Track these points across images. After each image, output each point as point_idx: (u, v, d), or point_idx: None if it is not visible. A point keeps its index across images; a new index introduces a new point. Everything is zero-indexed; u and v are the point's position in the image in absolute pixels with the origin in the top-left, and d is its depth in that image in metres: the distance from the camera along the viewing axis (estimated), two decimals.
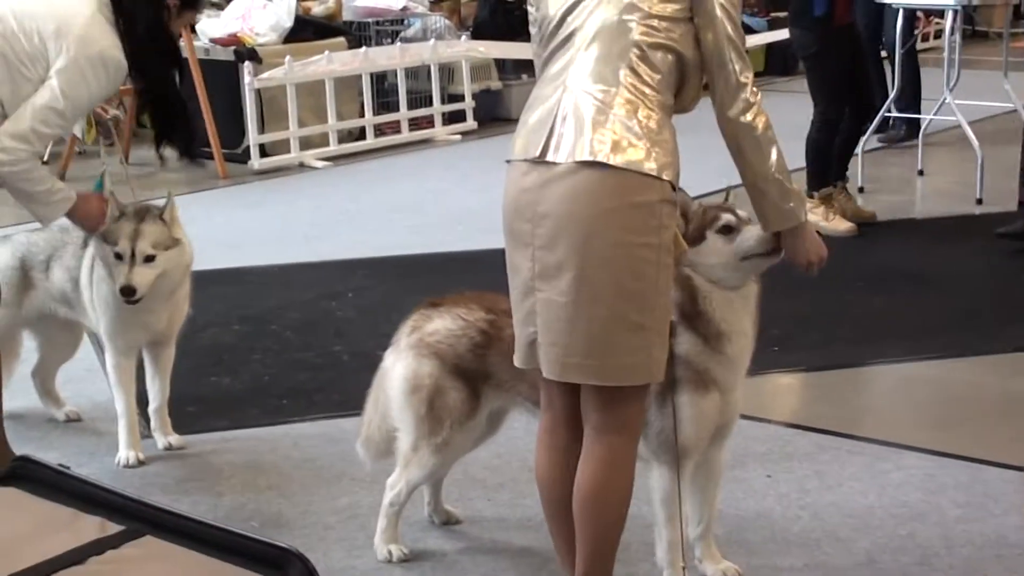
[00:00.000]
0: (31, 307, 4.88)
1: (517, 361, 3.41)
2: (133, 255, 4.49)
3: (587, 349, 3.21)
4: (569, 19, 3.28)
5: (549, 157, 3.20)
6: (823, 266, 3.45)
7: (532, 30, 3.49)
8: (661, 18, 3.21)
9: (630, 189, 3.14)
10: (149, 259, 4.51)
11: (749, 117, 3.24)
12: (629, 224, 3.15)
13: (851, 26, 7.70)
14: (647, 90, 3.20)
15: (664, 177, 3.16)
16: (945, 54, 9.38)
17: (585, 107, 3.19)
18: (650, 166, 3.14)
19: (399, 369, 3.91)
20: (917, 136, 9.69)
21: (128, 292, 4.48)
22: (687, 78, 3.29)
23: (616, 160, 3.13)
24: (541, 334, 3.27)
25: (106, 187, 4.63)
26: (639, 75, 3.20)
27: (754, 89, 3.26)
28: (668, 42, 3.22)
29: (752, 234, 3.51)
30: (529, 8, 3.46)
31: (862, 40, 8.01)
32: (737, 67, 3.23)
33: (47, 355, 5.16)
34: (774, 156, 3.29)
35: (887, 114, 9.25)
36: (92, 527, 2.15)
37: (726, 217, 3.54)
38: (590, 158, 3.14)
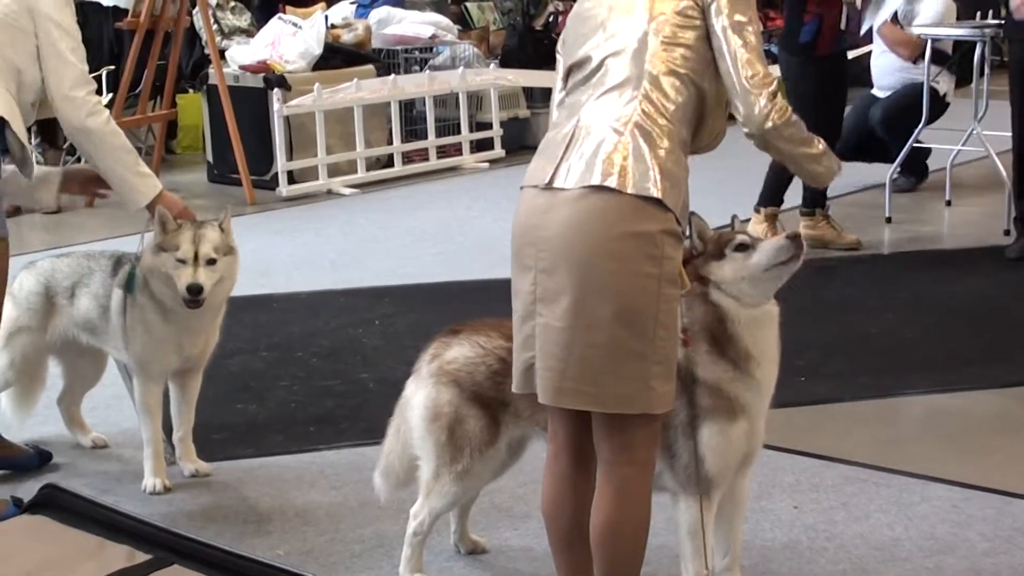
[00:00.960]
0: (55, 333, 4.90)
1: (515, 386, 3.44)
2: (196, 258, 4.54)
3: (583, 375, 3.23)
4: (587, 47, 3.35)
5: (557, 184, 3.24)
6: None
7: (559, 66, 3.54)
8: (676, 49, 3.25)
9: (633, 217, 3.17)
10: (211, 262, 4.56)
11: (772, 123, 3.28)
12: (629, 253, 3.17)
13: (835, 58, 7.84)
14: (660, 119, 3.24)
15: (667, 203, 3.18)
16: (974, 85, 9.37)
17: (596, 135, 3.23)
18: (655, 193, 3.17)
19: (419, 397, 3.92)
20: (925, 179, 9.73)
21: (195, 290, 4.51)
22: (706, 113, 3.32)
23: (621, 186, 3.16)
24: (538, 359, 3.29)
25: (138, 283, 4.66)
26: (652, 102, 3.24)
27: (770, 90, 3.27)
28: (683, 70, 3.25)
29: (771, 245, 3.55)
30: (559, 48, 3.52)
31: (845, 76, 8.15)
32: (753, 81, 3.25)
33: (72, 382, 5.18)
34: (800, 138, 3.36)
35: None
36: (120, 556, 2.16)
37: (740, 236, 3.59)
38: (596, 183, 3.18)
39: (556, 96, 3.55)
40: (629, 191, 3.16)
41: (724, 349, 3.52)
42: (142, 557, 2.15)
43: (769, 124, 3.27)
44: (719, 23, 3.25)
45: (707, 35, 3.27)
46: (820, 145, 3.42)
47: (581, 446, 3.40)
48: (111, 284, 4.76)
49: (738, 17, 3.26)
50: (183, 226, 4.59)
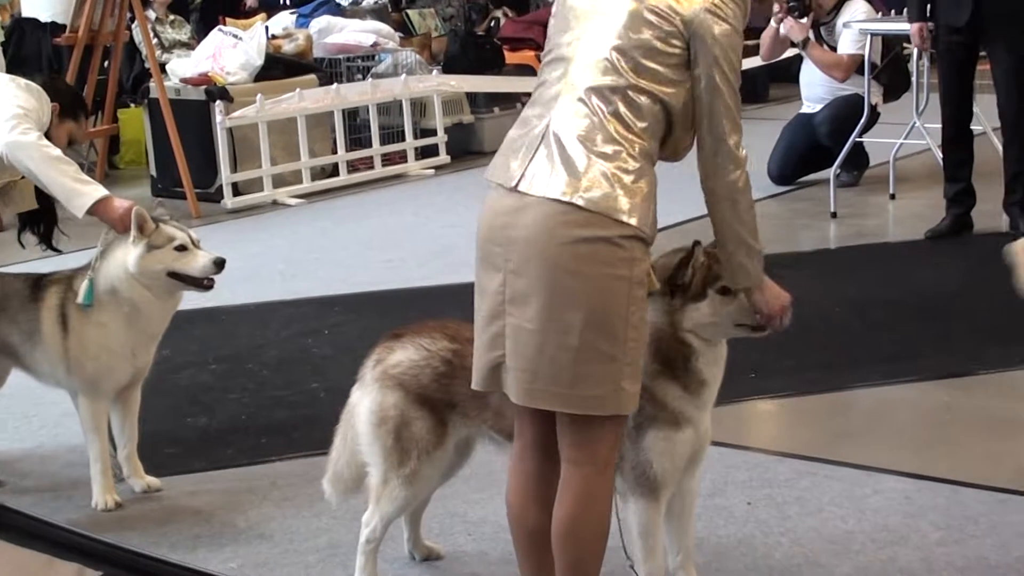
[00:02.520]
0: None
1: (475, 384, 3.43)
2: (194, 243, 4.63)
3: (554, 377, 3.22)
4: (561, 49, 3.32)
5: (523, 188, 3.23)
6: (791, 312, 3.51)
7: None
8: (651, 70, 3.22)
9: (600, 224, 3.17)
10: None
11: (732, 178, 3.28)
12: (598, 256, 3.17)
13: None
14: (630, 135, 3.22)
15: (631, 222, 3.18)
16: (913, 79, 9.45)
17: (565, 146, 3.21)
18: (619, 211, 3.17)
19: (365, 403, 3.91)
20: (867, 167, 9.83)
21: (222, 262, 4.64)
22: (674, 129, 3.31)
23: (585, 204, 3.15)
24: (509, 359, 3.28)
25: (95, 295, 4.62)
26: (623, 120, 3.22)
27: (741, 151, 3.29)
28: (658, 93, 3.23)
29: (750, 307, 3.53)
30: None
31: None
32: (729, 130, 3.26)
33: None
34: (748, 218, 3.34)
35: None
36: (69, 573, 2.14)
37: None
38: (561, 198, 3.17)
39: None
40: (592, 208, 3.16)
41: (678, 375, 3.55)
42: (92, 574, 2.13)
43: (739, 181, 3.28)
44: (708, 62, 3.22)
45: (687, 62, 3.23)
46: (761, 245, 3.41)
47: (547, 444, 3.40)
48: (34, 308, 4.68)
49: (727, 57, 3.23)
50: (159, 223, 4.61)
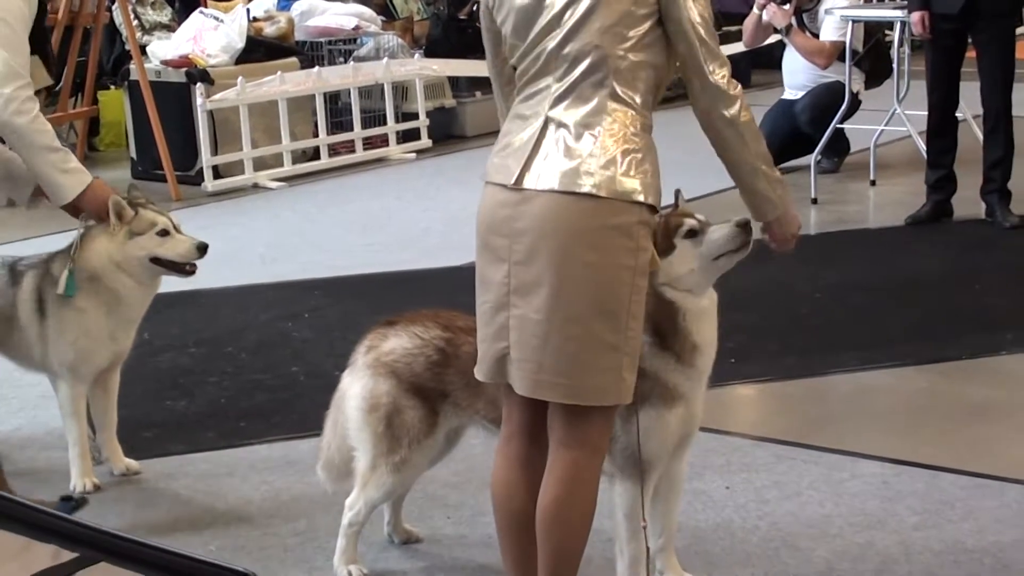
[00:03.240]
0: None
1: (480, 375, 3.40)
2: (176, 228, 4.63)
3: (559, 368, 3.21)
4: (544, 42, 3.25)
5: (527, 185, 3.20)
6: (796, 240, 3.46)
7: (487, 44, 3.50)
8: (636, 40, 3.19)
9: (610, 211, 3.15)
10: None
11: (733, 111, 3.24)
12: (606, 244, 3.16)
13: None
14: (630, 113, 3.20)
15: (648, 201, 3.17)
16: (895, 65, 9.46)
17: (566, 136, 3.18)
18: (633, 192, 3.15)
19: (356, 389, 3.90)
20: (847, 153, 9.85)
21: (205, 247, 4.63)
22: (660, 86, 3.30)
23: (597, 190, 3.13)
24: (514, 350, 3.26)
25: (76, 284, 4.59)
26: (621, 98, 3.19)
27: (732, 83, 3.25)
28: (646, 59, 3.21)
29: (721, 233, 3.53)
30: (484, 19, 3.45)
31: None
32: (712, 68, 3.22)
33: None
34: (757, 147, 3.30)
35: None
36: (44, 555, 2.12)
37: (689, 222, 3.55)
38: (573, 188, 3.14)
39: (498, 79, 3.54)
40: (607, 194, 3.14)
41: (669, 342, 3.52)
42: (68, 556, 2.12)
43: (732, 112, 3.23)
44: (679, 11, 3.18)
45: (659, 19, 3.21)
46: (779, 174, 3.38)
47: (535, 430, 3.39)
48: (11, 293, 4.67)
49: (694, 8, 3.19)
50: (139, 208, 4.59)
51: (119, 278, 4.56)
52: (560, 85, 3.23)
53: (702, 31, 3.21)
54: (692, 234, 3.53)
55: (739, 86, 3.28)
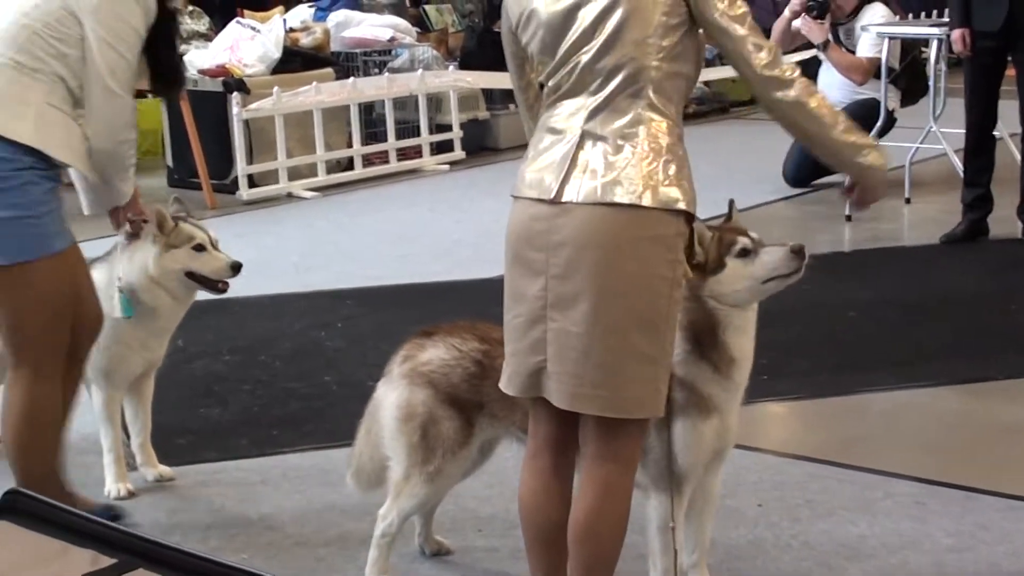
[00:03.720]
0: None
1: (511, 389, 3.39)
2: (212, 244, 4.64)
3: (599, 380, 3.20)
4: (577, 56, 3.24)
5: (567, 199, 3.19)
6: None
7: (511, 61, 3.51)
8: (670, 49, 3.19)
9: (650, 222, 3.15)
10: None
11: (792, 94, 3.21)
12: (646, 255, 3.16)
13: None
14: (666, 122, 3.20)
15: (689, 209, 3.19)
16: (931, 83, 9.43)
17: (606, 150, 3.18)
18: (676, 201, 3.16)
19: (392, 398, 3.90)
20: None
21: (238, 267, 4.65)
22: (687, 96, 3.33)
23: (639, 201, 3.13)
24: (552, 363, 3.25)
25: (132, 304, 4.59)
26: (657, 109, 3.19)
27: (784, 67, 3.22)
28: (679, 70, 3.23)
29: (774, 256, 3.53)
30: (507, 38, 3.47)
31: None
32: (760, 58, 3.20)
33: None
34: (830, 119, 3.28)
35: None
36: (84, 560, 2.13)
37: (742, 240, 3.55)
38: (612, 200, 3.14)
39: (524, 98, 3.56)
40: (647, 205, 3.14)
41: (707, 352, 3.52)
42: (106, 561, 2.13)
43: (791, 94, 3.20)
44: (712, 14, 3.18)
45: (692, 23, 3.21)
46: (866, 136, 3.36)
47: (562, 443, 3.39)
48: None
49: (727, 7, 3.19)
50: (179, 221, 4.61)
51: (155, 292, 4.57)
52: (595, 99, 3.22)
53: (738, 25, 3.20)
54: (744, 253, 3.53)
55: (795, 68, 3.25)
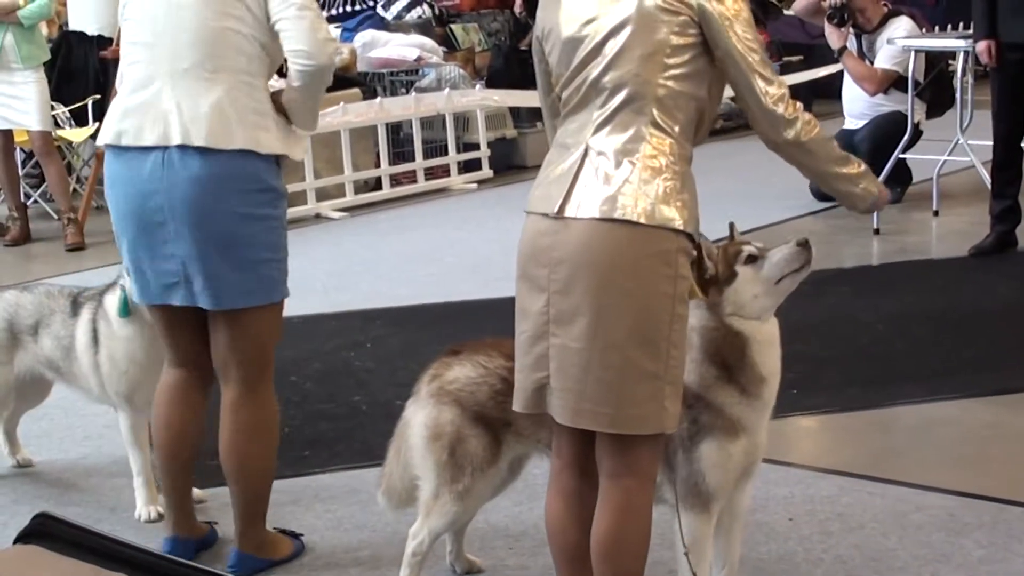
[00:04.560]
0: (23, 367, 4.90)
1: (518, 405, 3.43)
2: None
3: (600, 397, 3.22)
4: (587, 71, 3.28)
5: (568, 214, 3.22)
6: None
7: (539, 75, 3.53)
8: (677, 69, 3.21)
9: (648, 238, 3.16)
10: None
11: (791, 134, 3.26)
12: (645, 272, 3.17)
13: None
14: (668, 141, 3.22)
15: (686, 230, 3.19)
16: (958, 95, 9.41)
17: (606, 165, 3.20)
18: (671, 220, 3.17)
19: (420, 417, 3.92)
20: (909, 184, 9.80)
21: None
22: (703, 119, 3.33)
23: (636, 218, 3.15)
24: (554, 379, 3.28)
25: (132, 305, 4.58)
26: (661, 128, 3.21)
27: (789, 104, 3.26)
28: (687, 91, 3.24)
29: (781, 254, 3.55)
30: (536, 52, 3.49)
31: None
32: (766, 90, 3.23)
33: (18, 403, 5.17)
34: (828, 154, 3.34)
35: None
36: None
37: (747, 248, 3.57)
38: (613, 215, 3.16)
39: (549, 112, 3.56)
40: (644, 222, 3.15)
41: (736, 375, 3.52)
42: None
43: (790, 135, 3.26)
44: (725, 40, 3.21)
45: (704, 47, 3.23)
46: (858, 167, 3.41)
47: (586, 462, 3.40)
48: (72, 324, 4.74)
49: (742, 30, 3.22)
50: None
51: None
52: (601, 113, 3.25)
53: (751, 57, 3.23)
54: (752, 259, 3.54)
55: (797, 105, 3.29)
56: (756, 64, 3.23)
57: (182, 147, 3.95)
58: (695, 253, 3.30)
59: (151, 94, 4.01)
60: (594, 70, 3.26)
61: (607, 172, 3.20)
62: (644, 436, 3.28)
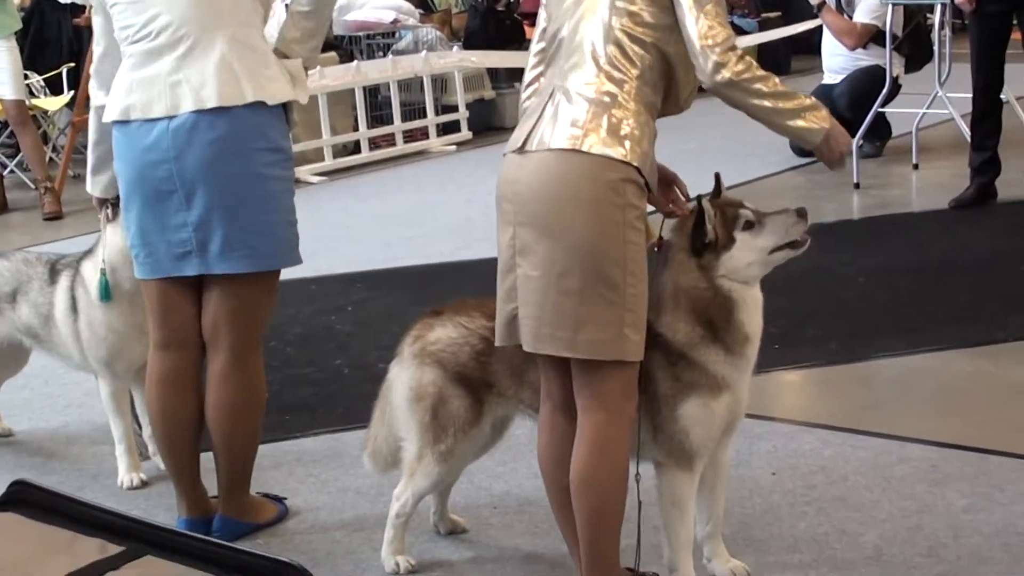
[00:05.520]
0: (1, 334, 4.88)
1: (497, 339, 3.51)
2: None
3: (557, 321, 3.30)
4: (559, 22, 3.43)
5: (529, 148, 3.35)
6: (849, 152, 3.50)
7: (536, 41, 3.60)
8: (640, 13, 3.30)
9: (595, 168, 3.26)
10: None
11: (724, 75, 3.25)
12: (594, 200, 3.26)
13: None
14: (626, 79, 3.31)
15: (632, 163, 3.25)
16: (936, 48, 9.40)
17: (566, 102, 3.32)
18: (617, 151, 3.25)
19: (403, 379, 3.92)
20: (889, 137, 9.80)
21: None
22: (674, 76, 3.36)
23: (584, 147, 3.25)
24: (520, 308, 3.37)
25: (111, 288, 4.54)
26: (617, 68, 3.31)
27: (725, 46, 3.25)
28: (646, 38, 3.31)
29: (780, 223, 3.53)
30: (540, 19, 3.58)
31: None
32: (706, 32, 3.24)
33: None
34: (765, 92, 3.30)
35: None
36: (91, 549, 2.13)
37: (744, 213, 3.55)
38: (561, 147, 3.27)
39: (532, 60, 3.60)
40: (591, 151, 3.24)
41: (721, 335, 3.51)
42: (114, 549, 2.13)
43: (725, 75, 3.25)
44: None
45: (671, 3, 3.29)
46: (802, 99, 3.37)
47: (571, 400, 3.45)
48: (50, 292, 4.71)
49: None
50: None
51: (130, 271, 4.39)
52: (567, 60, 3.38)
53: (702, 17, 3.25)
54: (750, 225, 3.52)
55: (736, 50, 3.27)
56: (705, 12, 3.25)
57: (196, 112, 3.93)
58: (646, 188, 3.33)
59: (157, 67, 3.99)
60: (567, 21, 3.40)
61: (564, 108, 3.32)
62: (610, 367, 3.32)
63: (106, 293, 4.53)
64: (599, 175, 3.25)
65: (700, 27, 3.25)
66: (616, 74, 3.31)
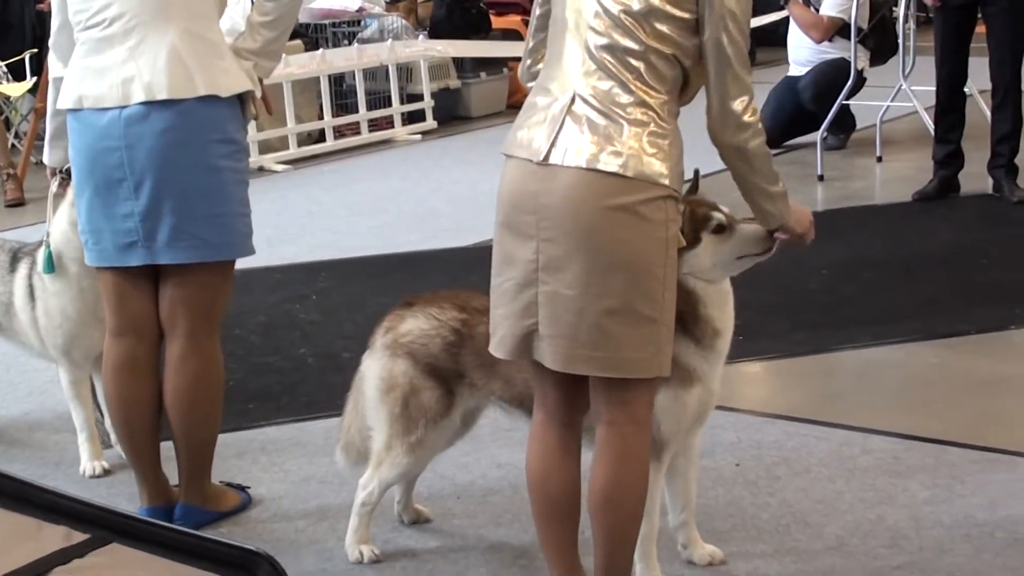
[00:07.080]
0: None
1: (502, 352, 3.37)
2: None
3: (595, 342, 3.19)
4: (576, 18, 3.26)
5: (554, 161, 3.19)
6: (814, 229, 3.53)
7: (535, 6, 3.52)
8: (669, 36, 3.19)
9: (636, 189, 3.14)
10: None
11: (739, 140, 3.25)
12: (636, 219, 3.15)
13: None
14: (658, 96, 3.20)
15: (668, 184, 3.18)
16: (900, 41, 9.45)
17: (595, 112, 3.18)
18: (657, 175, 3.15)
19: (374, 369, 3.91)
20: (853, 130, 9.85)
21: None
22: (690, 82, 3.29)
23: (623, 170, 3.13)
24: (545, 326, 3.24)
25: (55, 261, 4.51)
26: (648, 83, 3.19)
27: (751, 110, 3.25)
28: (676, 56, 3.21)
29: (749, 234, 3.52)
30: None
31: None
32: (734, 92, 3.22)
33: None
34: (763, 169, 3.32)
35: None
36: (57, 536, 2.13)
37: (716, 216, 3.53)
38: (598, 167, 3.14)
39: (535, 24, 3.52)
40: (631, 176, 3.14)
41: (690, 328, 3.51)
42: (79, 537, 2.13)
43: (739, 141, 3.25)
44: (716, 30, 3.19)
45: (696, 27, 3.21)
46: (781, 188, 3.40)
47: (570, 413, 3.39)
48: (10, 280, 4.68)
49: (736, 28, 3.21)
50: None
51: (75, 246, 4.37)
52: (589, 62, 3.22)
53: (731, 52, 3.21)
54: (720, 229, 3.52)
55: (757, 112, 3.28)
56: (736, 61, 3.22)
57: (147, 103, 3.92)
58: (678, 202, 3.29)
59: (109, 57, 3.97)
60: (571, 14, 3.26)
61: (594, 124, 3.17)
62: (641, 381, 3.26)
63: (49, 265, 4.49)
64: (641, 196, 3.14)
65: (732, 85, 3.22)
66: (649, 91, 3.17)
